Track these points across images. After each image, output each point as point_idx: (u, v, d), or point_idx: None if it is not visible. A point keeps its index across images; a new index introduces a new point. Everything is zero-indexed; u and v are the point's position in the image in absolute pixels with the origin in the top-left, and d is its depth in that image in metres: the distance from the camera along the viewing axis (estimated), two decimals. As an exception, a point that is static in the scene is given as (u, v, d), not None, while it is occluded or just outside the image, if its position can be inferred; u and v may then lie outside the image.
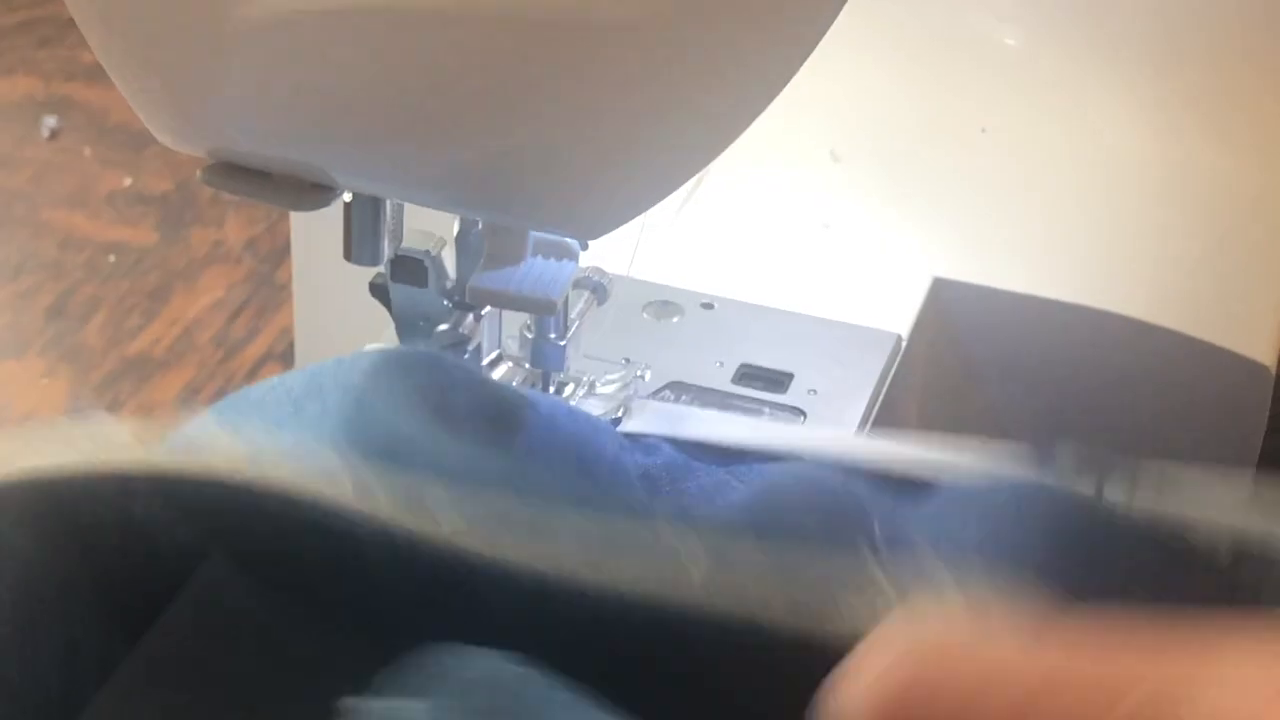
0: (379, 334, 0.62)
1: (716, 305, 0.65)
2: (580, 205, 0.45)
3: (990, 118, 0.80)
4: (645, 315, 0.64)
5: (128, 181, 1.37)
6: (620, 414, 0.57)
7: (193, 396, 1.12)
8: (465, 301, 0.55)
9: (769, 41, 0.42)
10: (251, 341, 1.21)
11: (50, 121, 1.46)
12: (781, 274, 0.69)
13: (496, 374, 0.58)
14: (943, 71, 0.83)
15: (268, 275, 1.28)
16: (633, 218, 0.46)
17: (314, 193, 0.48)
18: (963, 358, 0.70)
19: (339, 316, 0.84)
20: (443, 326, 0.56)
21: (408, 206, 0.52)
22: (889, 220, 0.73)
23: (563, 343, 0.57)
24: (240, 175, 0.47)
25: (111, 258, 1.29)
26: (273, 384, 0.51)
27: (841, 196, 0.74)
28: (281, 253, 1.26)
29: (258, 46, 0.42)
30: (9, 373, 1.18)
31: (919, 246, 0.71)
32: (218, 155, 0.47)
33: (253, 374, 1.18)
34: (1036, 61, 0.86)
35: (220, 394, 1.21)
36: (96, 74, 1.54)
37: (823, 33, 0.43)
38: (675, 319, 0.64)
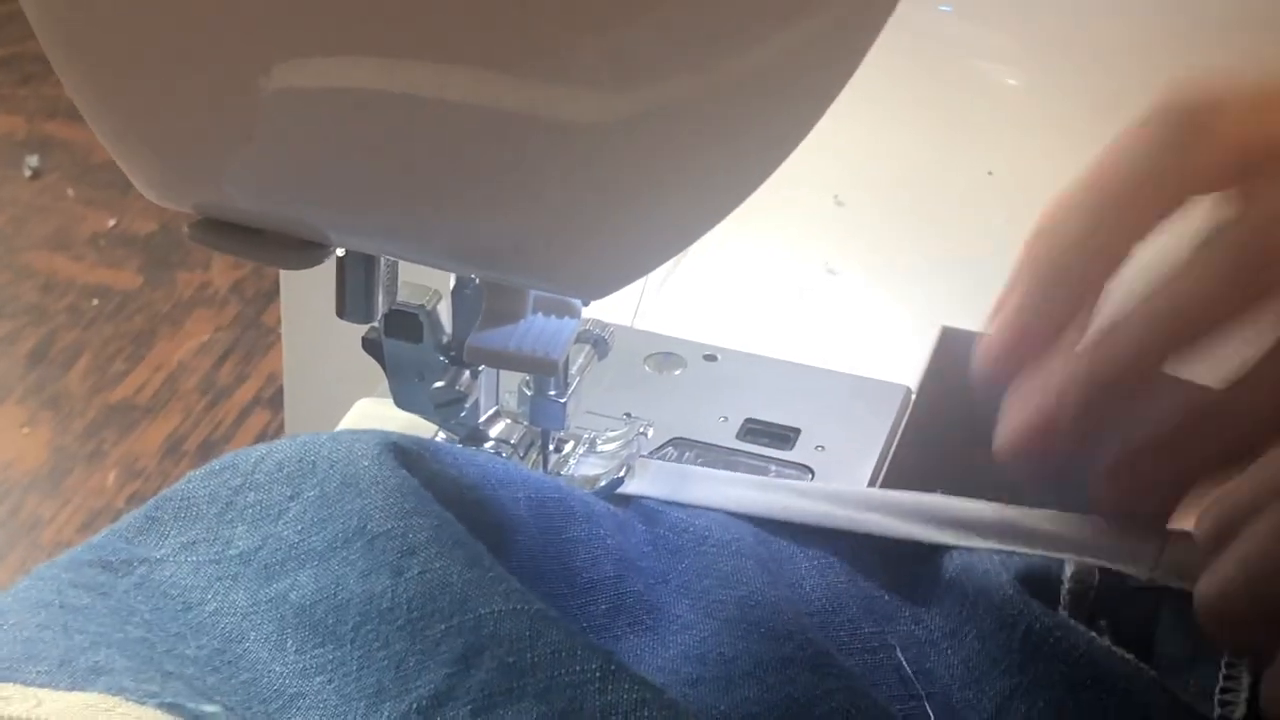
0: (371, 380, 0.60)
1: (720, 357, 0.63)
2: (585, 267, 0.43)
3: (996, 161, 0.79)
4: (646, 368, 0.62)
5: (111, 222, 1.36)
6: (623, 473, 0.55)
7: (177, 446, 1.10)
8: (461, 357, 0.53)
9: (773, 120, 0.41)
10: (238, 388, 1.19)
11: (32, 161, 1.44)
12: (785, 323, 0.67)
13: (494, 430, 0.56)
14: (947, 115, 0.82)
15: (254, 318, 1.26)
16: (639, 278, 0.44)
17: (306, 250, 0.46)
18: (973, 410, 0.68)
19: (330, 362, 0.82)
20: (439, 383, 0.54)
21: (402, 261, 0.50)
22: (895, 267, 0.71)
23: (563, 400, 0.55)
24: (229, 232, 0.45)
25: (95, 301, 1.27)
26: (261, 455, 0.50)
27: (846, 243, 0.73)
28: (269, 295, 1.24)
29: (244, 114, 0.41)
30: (-12, 421, 1.16)
31: (926, 294, 0.69)
32: (205, 211, 0.45)
33: (239, 421, 1.16)
34: (1040, 103, 0.85)
35: (206, 444, 1.19)
36: (79, 113, 1.52)
37: (826, 106, 0.41)
38: (677, 371, 0.62)
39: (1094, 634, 0.46)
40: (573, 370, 0.55)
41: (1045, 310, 0.50)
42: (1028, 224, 0.77)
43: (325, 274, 0.50)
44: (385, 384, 0.57)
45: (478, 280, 0.52)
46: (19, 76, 1.53)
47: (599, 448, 0.57)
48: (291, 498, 0.49)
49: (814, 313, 0.68)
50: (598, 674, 0.42)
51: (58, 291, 1.29)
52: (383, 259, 0.49)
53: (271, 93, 0.40)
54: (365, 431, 0.49)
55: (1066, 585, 0.48)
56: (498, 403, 0.56)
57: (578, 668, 0.42)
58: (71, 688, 0.41)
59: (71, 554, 0.48)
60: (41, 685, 0.41)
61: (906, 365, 0.64)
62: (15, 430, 1.15)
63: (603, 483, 0.55)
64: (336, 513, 0.47)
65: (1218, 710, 0.45)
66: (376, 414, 0.58)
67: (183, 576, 0.48)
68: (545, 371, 0.50)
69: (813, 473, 0.57)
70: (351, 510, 0.47)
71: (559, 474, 0.56)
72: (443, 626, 0.44)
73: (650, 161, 0.40)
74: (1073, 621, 0.47)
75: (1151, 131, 0.49)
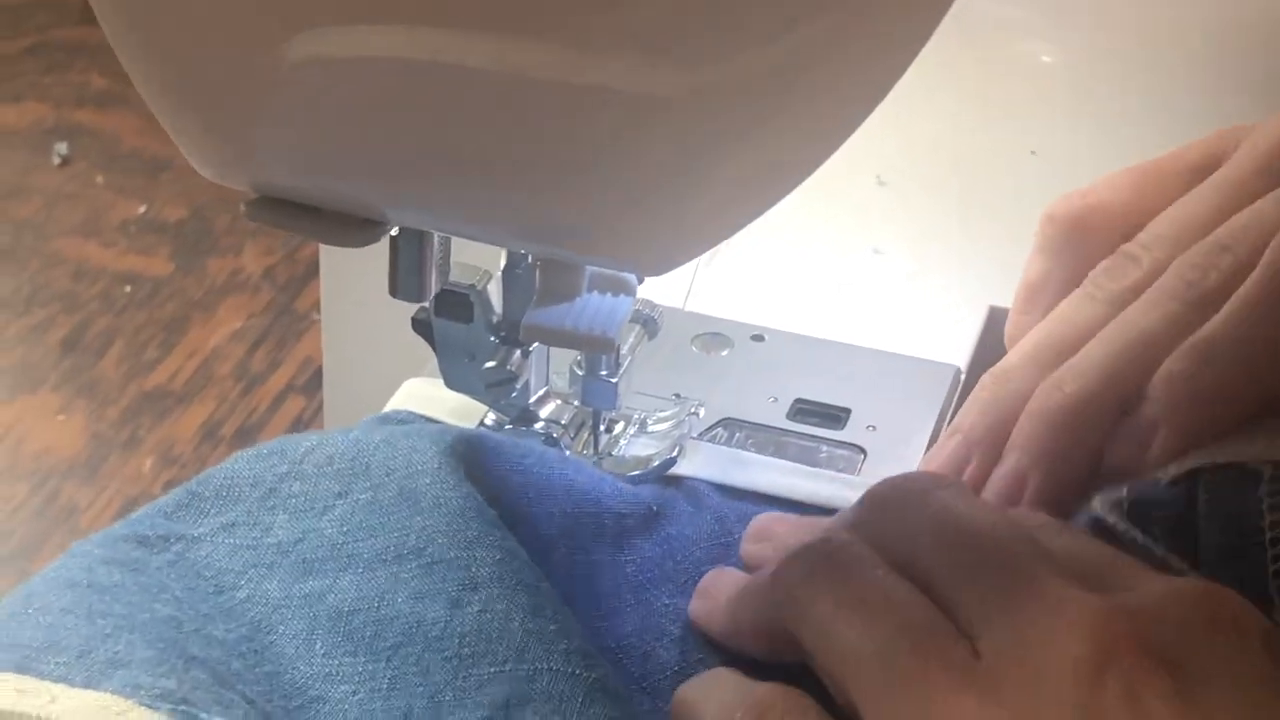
0: (411, 365, 0.60)
1: (767, 337, 0.62)
2: (647, 243, 0.43)
3: (1037, 140, 0.78)
4: (694, 348, 0.62)
5: (142, 209, 1.35)
6: (675, 453, 0.55)
7: (213, 432, 1.10)
8: (512, 337, 0.53)
9: (842, 93, 0.40)
10: (273, 374, 1.19)
11: (61, 149, 1.44)
12: (832, 304, 0.67)
13: (544, 411, 0.56)
14: (984, 94, 0.81)
15: (287, 304, 1.26)
16: (702, 253, 0.44)
17: (363, 228, 0.45)
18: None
19: (369, 346, 0.82)
20: (490, 363, 0.53)
21: (454, 239, 0.50)
22: (940, 247, 0.71)
23: (615, 380, 0.54)
24: (286, 210, 0.45)
25: (127, 288, 1.27)
26: (311, 445, 0.50)
27: (890, 223, 0.72)
28: (301, 281, 1.24)
29: (302, 87, 0.40)
30: (23, 408, 1.15)
31: (972, 274, 0.69)
32: (262, 189, 0.45)
33: (275, 407, 1.15)
34: (1075, 80, 0.84)
35: (241, 430, 1.19)
36: (107, 100, 1.53)
37: (896, 78, 0.41)
38: (725, 352, 0.62)
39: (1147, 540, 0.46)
40: (624, 350, 0.55)
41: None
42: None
43: (366, 257, 0.50)
44: (432, 363, 0.56)
45: (531, 259, 0.51)
46: (45, 65, 1.53)
47: (650, 428, 0.57)
48: (339, 495, 0.48)
49: (860, 293, 0.68)
50: None
51: (89, 279, 1.29)
52: (436, 239, 0.49)
53: (325, 64, 0.39)
54: (422, 436, 0.49)
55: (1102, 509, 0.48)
56: (548, 383, 0.56)
57: None
58: (87, 684, 0.40)
59: (110, 530, 0.48)
60: (58, 679, 0.40)
61: (954, 345, 0.64)
62: (50, 417, 1.14)
63: (655, 463, 0.55)
64: (389, 524, 0.47)
65: (1277, 599, 0.44)
66: (425, 393, 0.57)
67: (218, 558, 0.47)
68: (602, 349, 0.50)
69: (865, 453, 0.57)
70: (409, 527, 0.47)
71: (610, 454, 0.55)
72: (492, 670, 0.43)
73: (717, 135, 0.40)
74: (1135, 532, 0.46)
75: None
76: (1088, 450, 0.50)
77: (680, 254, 0.43)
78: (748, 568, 0.50)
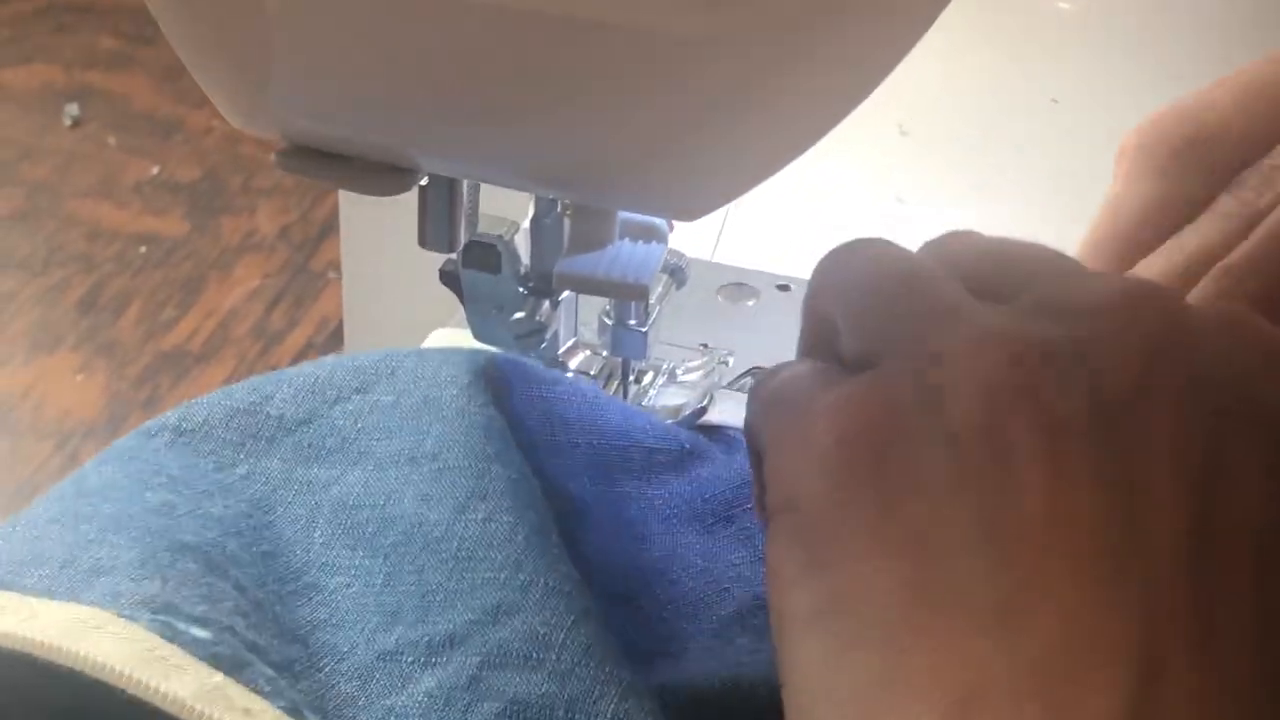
0: (434, 318, 0.60)
1: (793, 287, 0.62)
2: (682, 187, 0.43)
3: (1059, 87, 0.78)
4: (720, 299, 0.62)
5: (155, 170, 1.35)
6: (705, 403, 0.55)
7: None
8: (540, 287, 0.53)
9: (874, 37, 0.40)
10: (291, 332, 1.19)
11: (72, 110, 1.44)
12: (856, 253, 0.67)
13: (573, 362, 0.56)
14: (1004, 41, 0.81)
15: (303, 263, 1.26)
16: (736, 197, 0.44)
17: (394, 176, 0.45)
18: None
19: (390, 302, 0.82)
20: (518, 314, 0.53)
21: (482, 188, 0.50)
22: (962, 194, 0.71)
23: (644, 329, 0.54)
24: (315, 159, 0.45)
25: (143, 249, 1.27)
26: (341, 361, 0.49)
27: (913, 171, 0.72)
28: (316, 240, 1.24)
29: (325, 25, 0.40)
30: (42, 368, 1.15)
31: (995, 220, 0.69)
32: (291, 138, 0.45)
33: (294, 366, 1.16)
34: (1093, 25, 0.84)
35: (262, 386, 1.19)
36: (118, 61, 1.52)
37: (932, 20, 0.41)
38: (751, 302, 0.62)
39: None
40: (652, 299, 0.55)
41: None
42: (1092, 150, 0.76)
43: (385, 213, 0.50)
44: (459, 315, 0.56)
45: (560, 208, 0.51)
46: (54, 25, 1.52)
47: (680, 378, 0.57)
48: (358, 390, 0.48)
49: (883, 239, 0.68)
50: (616, 685, 0.41)
51: (104, 239, 1.28)
52: (464, 188, 0.49)
53: (356, 6, 0.39)
54: (456, 352, 0.49)
55: None
56: (576, 334, 0.56)
57: (605, 670, 0.41)
58: (70, 595, 0.40)
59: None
60: (41, 593, 0.40)
61: None
62: (70, 377, 1.14)
63: (686, 412, 0.54)
64: (409, 427, 0.47)
65: None
66: (452, 341, 0.57)
67: (214, 425, 0.47)
68: (636, 296, 0.50)
69: (894, 399, 0.57)
70: (429, 432, 0.46)
71: (639, 404, 0.55)
72: (488, 575, 0.43)
73: (749, 78, 0.39)
74: None
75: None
76: None
77: (715, 198, 0.43)
78: None
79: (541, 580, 0.42)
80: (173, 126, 1.33)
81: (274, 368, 1.16)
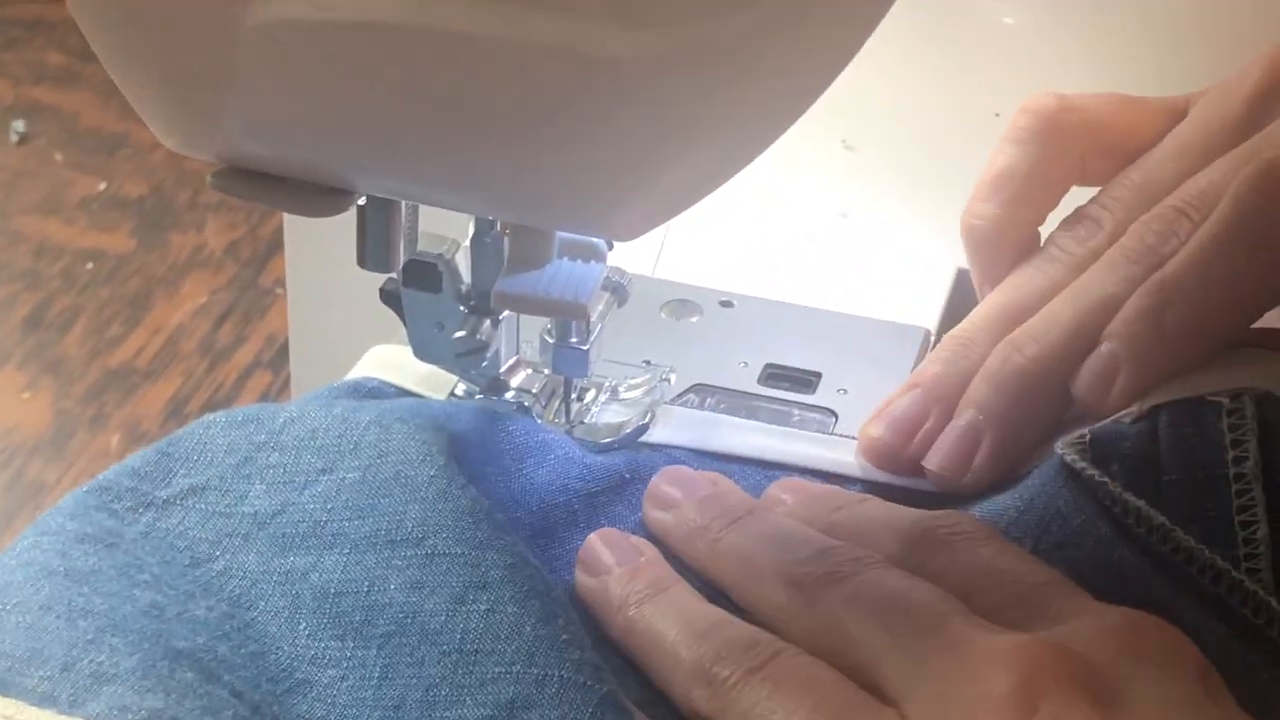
0: (377, 337, 0.59)
1: (736, 303, 0.62)
2: (617, 209, 0.43)
3: (1003, 102, 0.78)
4: (663, 315, 0.62)
5: (102, 186, 1.34)
6: (647, 419, 0.55)
7: (180, 408, 1.10)
8: (481, 306, 0.53)
9: (810, 55, 0.40)
10: (239, 349, 1.18)
11: (19, 126, 1.43)
12: (800, 268, 0.67)
13: (515, 380, 0.56)
14: (949, 56, 0.81)
15: (251, 279, 1.25)
16: (672, 218, 0.44)
17: (330, 197, 0.45)
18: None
19: (336, 319, 0.81)
20: (459, 333, 0.53)
21: (421, 207, 0.50)
22: (907, 210, 0.71)
23: (585, 348, 0.54)
24: (252, 180, 0.45)
25: (89, 265, 1.26)
26: (291, 416, 0.49)
27: (857, 186, 0.72)
28: (264, 256, 1.23)
29: (264, 52, 0.40)
30: (-13, 387, 1.15)
31: (940, 237, 0.69)
32: (228, 160, 0.45)
33: (241, 383, 1.15)
34: (1037, 41, 0.84)
35: (209, 405, 1.18)
36: (66, 77, 1.51)
37: (865, 39, 0.41)
38: (694, 318, 0.62)
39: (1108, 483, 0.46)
40: (594, 318, 0.55)
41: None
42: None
43: (330, 229, 0.50)
44: (397, 337, 0.56)
45: (499, 226, 0.51)
46: (2, 42, 1.51)
47: (622, 395, 0.57)
48: (323, 471, 0.47)
49: (828, 257, 0.68)
50: None
51: (51, 256, 1.27)
52: (403, 208, 0.49)
53: (286, 27, 0.39)
54: (422, 427, 0.48)
55: (1063, 449, 0.48)
56: (518, 352, 0.56)
57: None
58: (73, 704, 0.39)
59: (76, 496, 0.47)
60: (43, 698, 0.39)
61: (923, 307, 0.64)
62: (16, 395, 1.14)
63: (627, 430, 0.55)
64: (380, 507, 0.46)
65: (1240, 532, 0.44)
66: (391, 359, 0.57)
67: (190, 526, 0.46)
68: (575, 315, 0.50)
69: (836, 416, 0.57)
70: (404, 514, 0.46)
71: (582, 422, 0.55)
72: (498, 670, 0.42)
73: (682, 100, 0.40)
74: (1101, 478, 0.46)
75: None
76: (1043, 412, 0.50)
77: (650, 219, 0.43)
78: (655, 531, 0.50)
79: (556, 673, 0.42)
80: (120, 142, 1.32)
81: (221, 384, 1.16)
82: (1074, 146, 0.56)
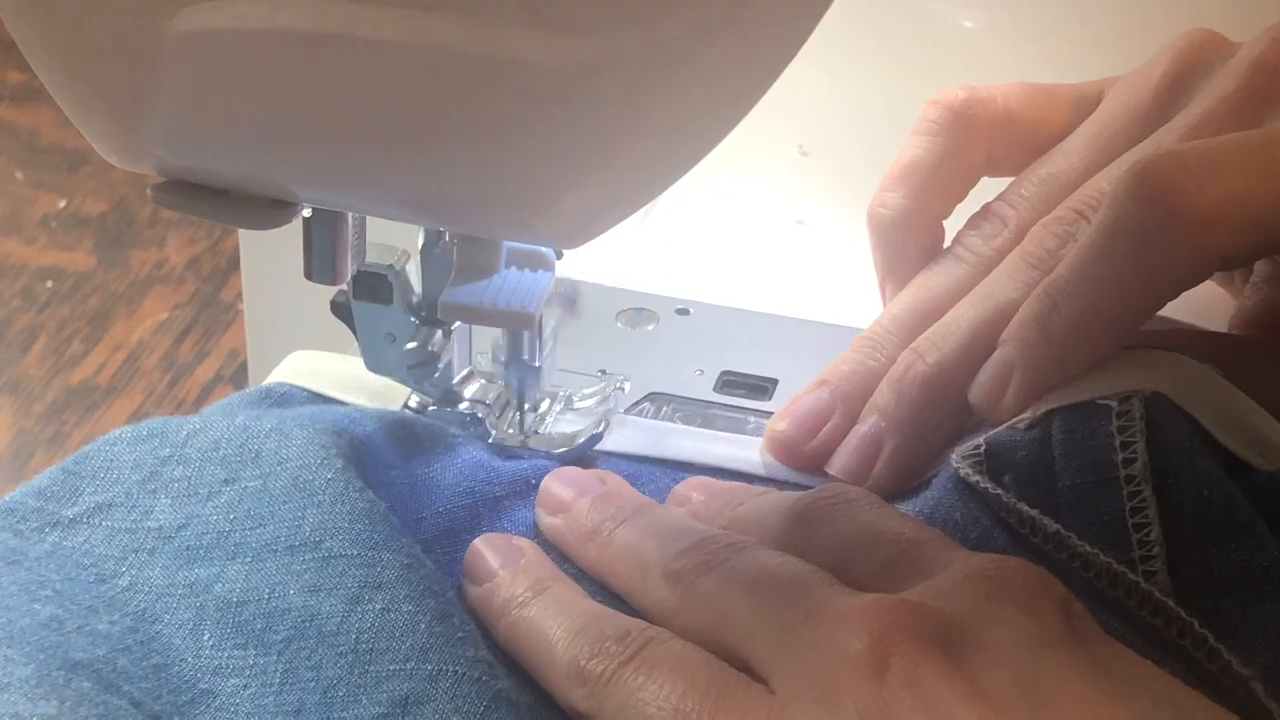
0: (336, 350, 0.59)
1: (693, 310, 0.62)
2: (557, 216, 0.42)
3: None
4: (619, 323, 0.61)
5: (62, 204, 1.34)
6: (601, 429, 0.55)
7: (141, 424, 1.09)
8: (432, 317, 0.53)
9: (739, 60, 0.40)
10: (200, 364, 1.18)
11: (-22, 145, 1.42)
12: (756, 275, 0.67)
13: (468, 391, 0.55)
14: (907, 61, 0.81)
15: (212, 295, 1.25)
16: (612, 226, 0.43)
17: (273, 210, 0.45)
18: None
19: (293, 334, 0.81)
20: (411, 344, 0.53)
21: (370, 218, 0.49)
22: (862, 216, 0.71)
23: (538, 364, 0.54)
24: (193, 193, 0.44)
25: (49, 283, 1.25)
26: (194, 429, 0.49)
27: (813, 192, 0.72)
28: (226, 271, 1.23)
29: (186, 61, 0.40)
30: (-53, 407, 1.14)
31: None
32: (168, 173, 0.44)
33: (203, 399, 1.14)
34: (997, 45, 0.84)
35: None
36: (25, 94, 1.51)
37: (802, 43, 0.41)
38: (650, 326, 0.61)
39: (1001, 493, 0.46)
40: (546, 333, 0.54)
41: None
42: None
43: (286, 242, 0.49)
44: (353, 349, 0.56)
45: (448, 236, 0.51)
46: (-40, 61, 1.51)
47: (576, 404, 0.56)
48: (226, 482, 0.47)
49: (784, 264, 0.68)
50: None
51: (10, 275, 1.27)
52: (350, 220, 0.48)
53: (208, 37, 0.39)
54: (321, 431, 0.48)
55: (958, 462, 0.48)
56: (471, 363, 0.56)
57: None
58: None
59: None
60: None
61: (876, 313, 0.64)
62: (-26, 415, 1.13)
63: (581, 439, 0.54)
64: (280, 514, 0.46)
65: (1134, 534, 0.44)
66: (308, 366, 0.57)
67: (96, 544, 0.46)
68: (522, 325, 0.49)
69: (792, 423, 0.57)
70: (303, 519, 0.46)
71: (536, 432, 0.55)
72: (392, 668, 0.42)
73: (617, 107, 0.39)
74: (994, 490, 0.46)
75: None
76: (945, 418, 0.50)
77: (589, 225, 0.43)
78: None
79: (450, 669, 0.42)
80: (80, 159, 1.31)
81: (183, 401, 1.15)
82: (981, 138, 0.56)
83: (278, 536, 0.45)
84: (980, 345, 0.50)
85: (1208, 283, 0.50)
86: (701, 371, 0.59)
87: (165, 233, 1.31)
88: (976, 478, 0.46)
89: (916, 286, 0.54)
